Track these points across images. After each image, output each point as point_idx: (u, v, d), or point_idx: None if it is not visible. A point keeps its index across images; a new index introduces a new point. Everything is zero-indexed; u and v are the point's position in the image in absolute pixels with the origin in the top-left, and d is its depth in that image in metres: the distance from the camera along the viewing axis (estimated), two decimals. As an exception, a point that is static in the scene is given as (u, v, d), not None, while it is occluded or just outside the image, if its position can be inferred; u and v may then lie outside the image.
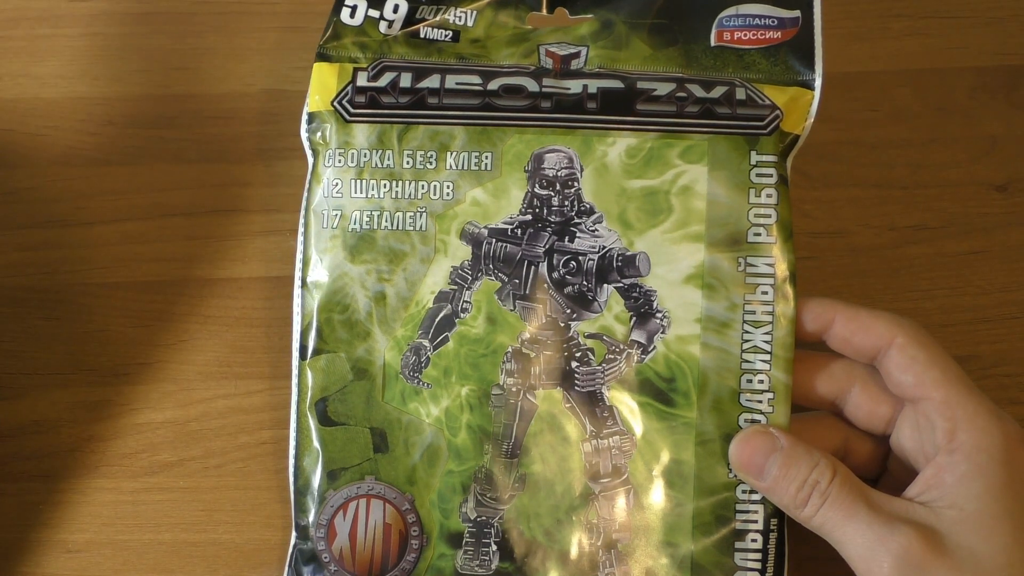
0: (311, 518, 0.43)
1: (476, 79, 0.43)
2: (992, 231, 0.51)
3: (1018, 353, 0.50)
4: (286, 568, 0.43)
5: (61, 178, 0.51)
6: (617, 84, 0.43)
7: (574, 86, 0.43)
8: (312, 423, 0.43)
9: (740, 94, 0.43)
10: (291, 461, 0.43)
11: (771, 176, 0.43)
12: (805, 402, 0.44)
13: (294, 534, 0.43)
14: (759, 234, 0.43)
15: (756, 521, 0.42)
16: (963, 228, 0.51)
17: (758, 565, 0.42)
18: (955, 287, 0.50)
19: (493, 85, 0.43)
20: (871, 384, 0.43)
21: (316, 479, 0.43)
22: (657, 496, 0.42)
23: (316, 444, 0.43)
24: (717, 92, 0.43)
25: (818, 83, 0.43)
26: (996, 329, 0.50)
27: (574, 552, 0.43)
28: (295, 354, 0.43)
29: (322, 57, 0.44)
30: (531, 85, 0.43)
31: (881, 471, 0.44)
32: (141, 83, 0.52)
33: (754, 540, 0.42)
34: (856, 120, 0.52)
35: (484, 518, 0.43)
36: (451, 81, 0.43)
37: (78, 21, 0.53)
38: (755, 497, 0.42)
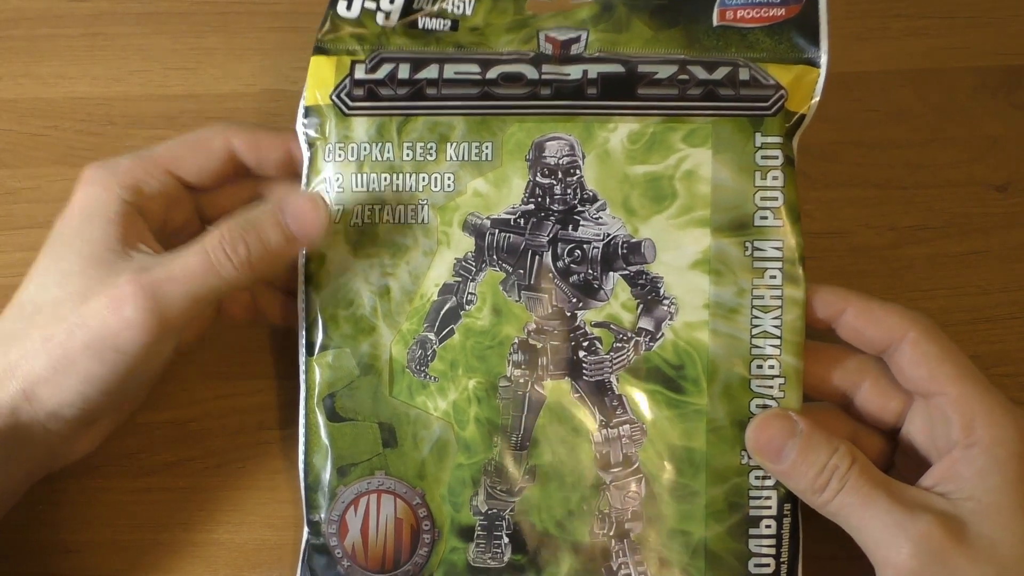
0: (322, 514, 0.43)
1: (475, 68, 0.43)
2: (992, 231, 0.51)
3: (1018, 353, 0.50)
4: (299, 564, 0.43)
5: (61, 178, 0.51)
6: (617, 68, 0.42)
7: (574, 72, 0.43)
8: (321, 419, 0.43)
9: (743, 74, 0.42)
10: (301, 457, 0.43)
11: (777, 158, 0.42)
12: (816, 393, 0.43)
13: (306, 530, 0.43)
14: (766, 217, 0.42)
15: (770, 507, 0.42)
16: (963, 228, 0.51)
17: (772, 551, 0.42)
18: (955, 287, 0.50)
19: (492, 73, 0.43)
20: (882, 378, 0.42)
21: (326, 475, 0.43)
22: (669, 484, 0.42)
23: (325, 440, 0.43)
24: (720, 73, 0.42)
25: (824, 60, 0.42)
26: (996, 329, 0.50)
27: (586, 543, 0.42)
28: (301, 351, 0.43)
29: (319, 50, 0.43)
30: (530, 72, 0.43)
31: (887, 467, 0.43)
32: (141, 83, 0.52)
33: (768, 526, 0.42)
34: (856, 120, 0.52)
35: (495, 511, 0.42)
36: (449, 71, 0.43)
37: (78, 21, 0.53)
38: (768, 483, 0.42)
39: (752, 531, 0.42)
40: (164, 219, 0.43)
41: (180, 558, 0.47)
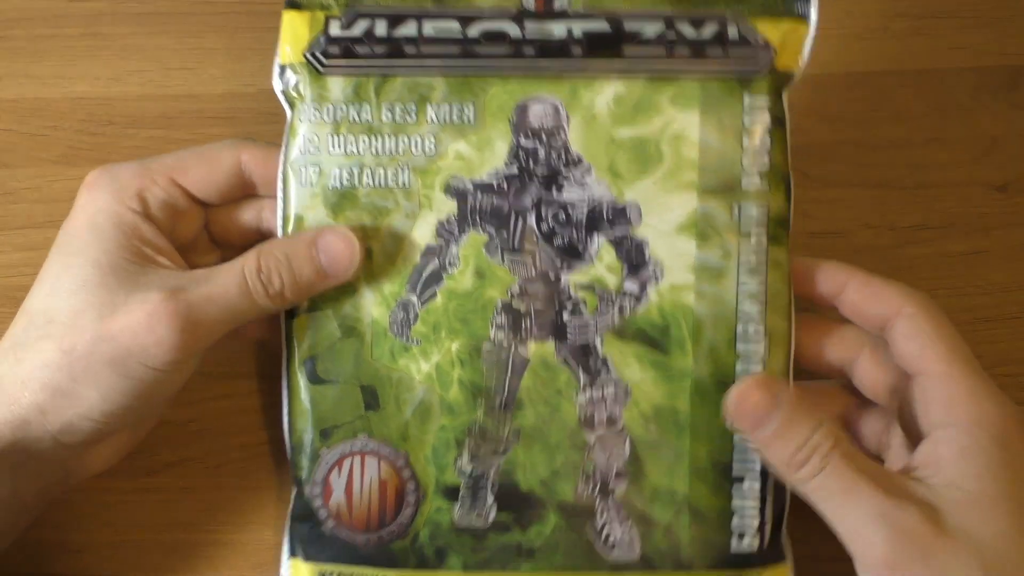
0: (305, 475, 0.43)
1: (455, 24, 0.41)
2: (992, 231, 0.51)
3: (1018, 353, 0.50)
4: (287, 521, 0.44)
5: (61, 178, 0.51)
6: (603, 26, 0.41)
7: (558, 30, 0.41)
8: (302, 381, 0.43)
9: (732, 32, 0.41)
10: (284, 418, 0.43)
11: (765, 120, 0.41)
12: (814, 366, 0.43)
13: (294, 489, 0.43)
14: (753, 180, 0.41)
15: (753, 468, 0.42)
16: (963, 228, 0.51)
17: (756, 510, 0.42)
18: (955, 287, 0.50)
19: (473, 31, 0.41)
20: (880, 353, 0.42)
21: (309, 436, 0.43)
22: (653, 444, 0.42)
23: (306, 403, 0.43)
24: (708, 31, 0.41)
25: (814, 15, 0.41)
26: (996, 329, 0.50)
27: (571, 501, 0.43)
28: (283, 313, 0.43)
29: (292, 5, 0.42)
30: (513, 30, 0.41)
31: (881, 448, 0.43)
32: (141, 83, 0.52)
33: (751, 486, 0.42)
34: (856, 120, 0.52)
35: (480, 471, 0.43)
36: (429, 27, 0.41)
37: (78, 21, 0.53)
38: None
39: (735, 490, 0.42)
40: (171, 231, 0.42)
41: (180, 558, 0.47)
